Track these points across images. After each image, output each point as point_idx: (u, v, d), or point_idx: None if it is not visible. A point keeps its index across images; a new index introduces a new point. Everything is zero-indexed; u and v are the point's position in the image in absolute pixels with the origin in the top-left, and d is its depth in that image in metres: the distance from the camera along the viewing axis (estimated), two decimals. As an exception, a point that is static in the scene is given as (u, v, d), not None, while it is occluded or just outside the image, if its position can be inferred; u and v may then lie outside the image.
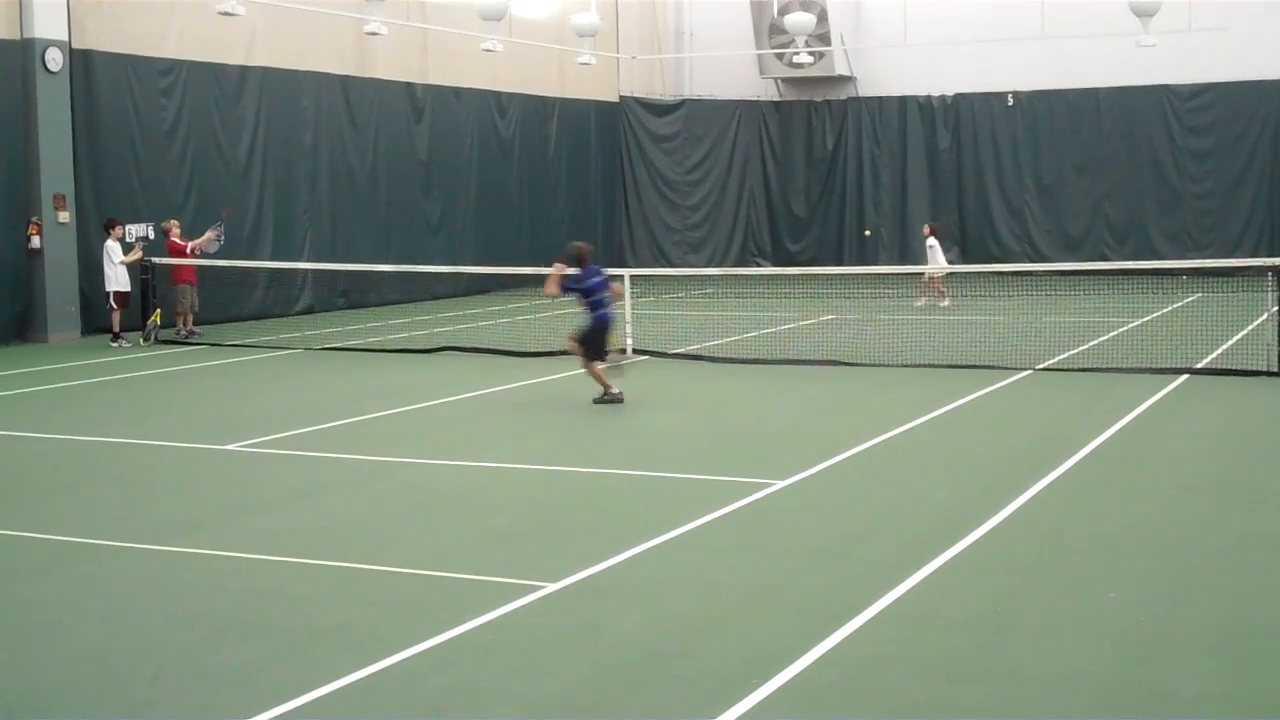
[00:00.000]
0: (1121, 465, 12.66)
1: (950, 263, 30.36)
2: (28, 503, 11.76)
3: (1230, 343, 20.42)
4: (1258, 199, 35.19)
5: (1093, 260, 33.97)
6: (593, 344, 16.67)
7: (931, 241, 29.54)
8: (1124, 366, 18.48)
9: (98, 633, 8.22)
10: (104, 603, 8.83)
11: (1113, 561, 9.40)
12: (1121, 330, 22.83)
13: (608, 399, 16.41)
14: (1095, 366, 18.66)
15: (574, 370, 19.31)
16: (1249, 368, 17.87)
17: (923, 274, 29.15)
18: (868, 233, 37.04)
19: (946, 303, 28.50)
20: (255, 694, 7.06)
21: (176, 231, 24.57)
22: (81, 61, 24.58)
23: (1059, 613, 8.27)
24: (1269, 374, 17.51)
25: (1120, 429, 14.23)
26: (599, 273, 17.13)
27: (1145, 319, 24.37)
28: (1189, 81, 35.22)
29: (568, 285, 16.85)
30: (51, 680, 7.43)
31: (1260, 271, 20.09)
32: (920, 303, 28.48)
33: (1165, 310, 25.71)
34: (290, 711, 6.84)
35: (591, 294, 16.81)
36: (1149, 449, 13.45)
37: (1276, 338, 17.73)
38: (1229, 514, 10.81)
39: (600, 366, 16.60)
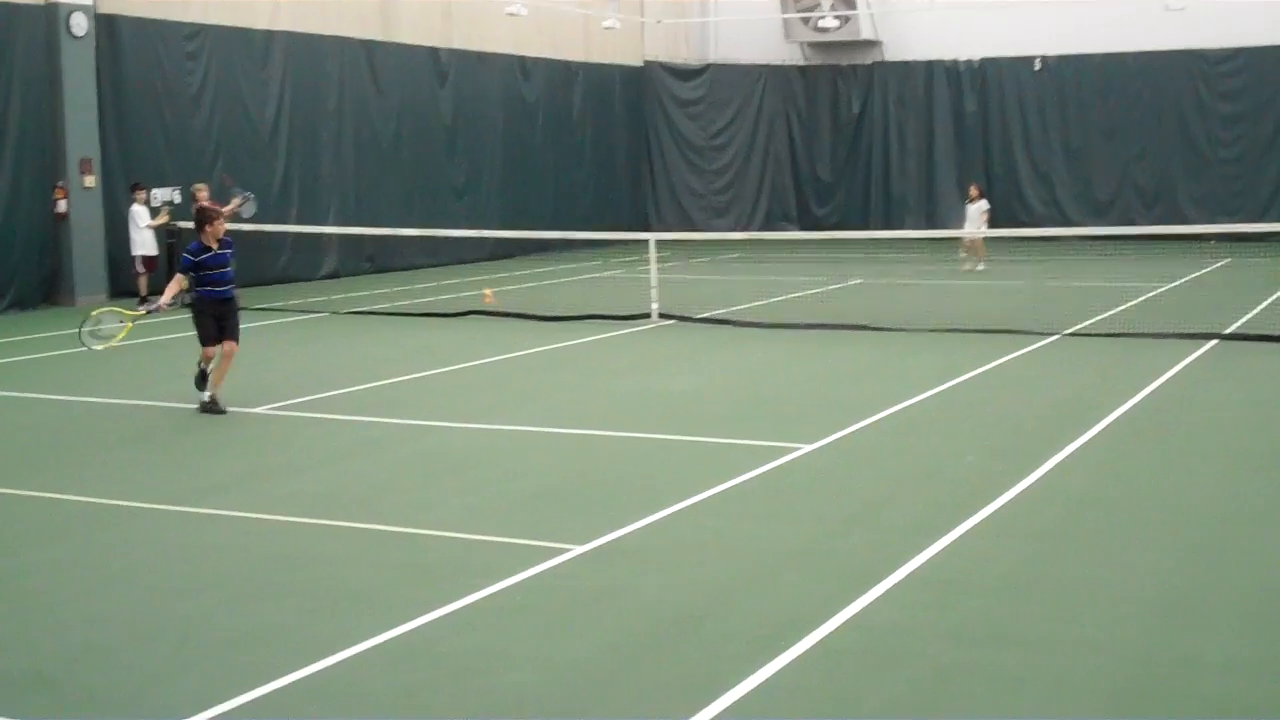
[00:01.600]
0: (1149, 430, 12.59)
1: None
2: (55, 465, 11.80)
3: (1260, 308, 20.29)
4: (1288, 163, 34.92)
5: (1121, 225, 33.77)
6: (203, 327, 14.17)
7: (985, 203, 29.21)
8: (1152, 332, 18.37)
9: (126, 594, 8.25)
10: (131, 564, 8.86)
11: (1140, 526, 9.36)
12: (1149, 295, 22.70)
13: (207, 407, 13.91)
14: (1123, 332, 18.55)
15: (599, 334, 19.32)
16: (1278, 333, 17.74)
17: (964, 238, 28.85)
18: None
19: (982, 266, 28.35)
20: (282, 655, 7.08)
21: (204, 195, 24.56)
22: (106, 26, 24.57)
23: (1086, 578, 8.24)
24: (1298, 339, 17.40)
25: (1148, 394, 14.15)
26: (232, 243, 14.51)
27: (1173, 284, 24.23)
28: (1218, 46, 34.90)
29: (185, 265, 14.27)
30: (80, 641, 7.46)
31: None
32: (981, 266, 28.32)
33: (1194, 275, 25.57)
34: (317, 672, 6.86)
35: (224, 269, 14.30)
36: (1177, 414, 13.38)
37: (1306, 303, 17.61)
38: (1257, 479, 10.75)
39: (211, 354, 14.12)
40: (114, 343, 15.37)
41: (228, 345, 14.09)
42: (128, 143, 25.04)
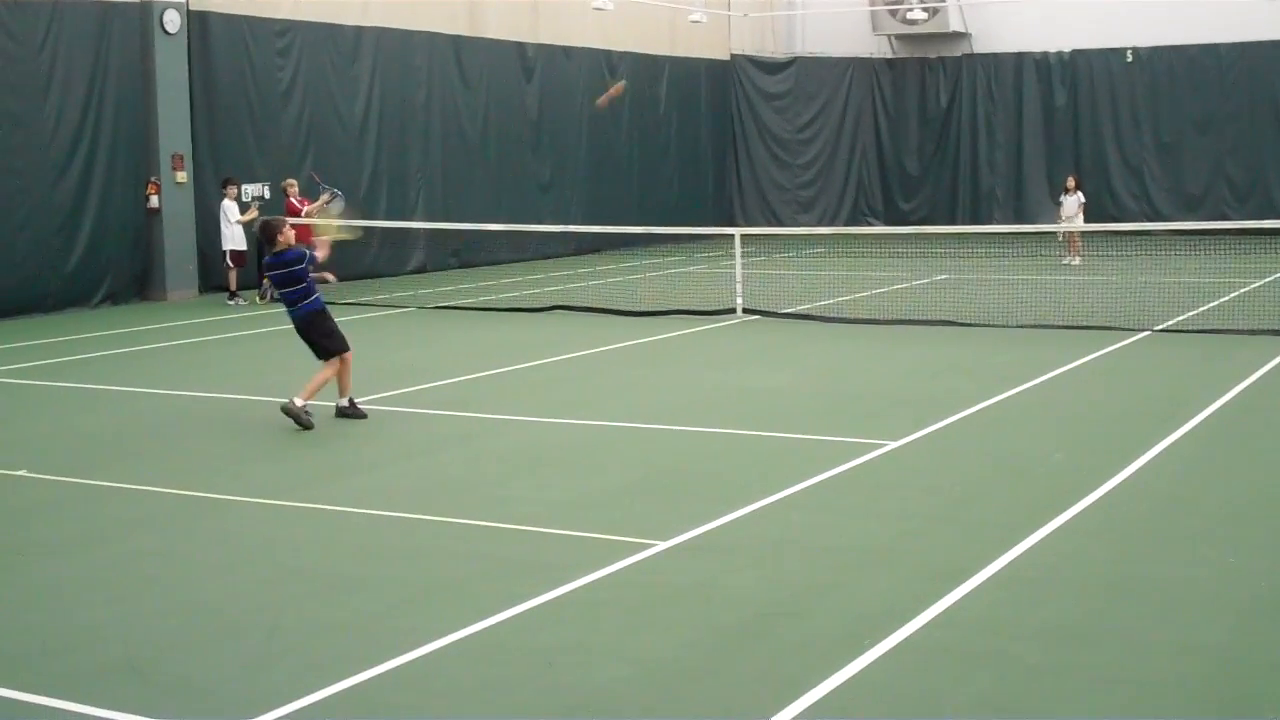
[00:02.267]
0: (1242, 429, 12.41)
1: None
2: (145, 457, 11.97)
3: (1356, 304, 19.92)
4: (1386, 156, 34.29)
5: (1213, 219, 33.31)
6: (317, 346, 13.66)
7: (1080, 195, 28.93)
8: (1245, 328, 18.09)
9: (213, 585, 8.36)
10: (219, 556, 8.97)
11: (1233, 527, 9.22)
12: (1242, 291, 22.36)
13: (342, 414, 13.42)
14: (1215, 328, 18.29)
15: (683, 329, 19.32)
16: (1376, 330, 17.43)
17: (1061, 233, 28.67)
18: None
19: (1078, 260, 28.13)
20: (369, 647, 7.14)
21: (294, 191, 24.85)
22: (199, 23, 24.88)
23: (1177, 578, 8.13)
24: (1397, 336, 17.07)
25: (1240, 392, 13.94)
26: (301, 256, 13.64)
27: (1267, 280, 23.85)
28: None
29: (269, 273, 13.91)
30: (168, 631, 7.56)
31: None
32: (1077, 260, 28.10)
33: (1288, 271, 25.14)
34: (403, 665, 6.91)
35: (289, 283, 13.58)
36: (1269, 412, 13.17)
37: (1405, 299, 17.27)
38: (1354, 479, 10.57)
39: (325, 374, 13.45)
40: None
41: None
42: (218, 139, 25.34)
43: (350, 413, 13.41)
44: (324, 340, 13.59)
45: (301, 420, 12.84)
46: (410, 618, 7.66)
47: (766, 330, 19.51)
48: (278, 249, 13.54)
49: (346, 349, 13.59)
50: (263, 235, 13.90)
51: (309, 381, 13.33)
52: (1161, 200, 35.97)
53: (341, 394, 13.51)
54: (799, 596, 7.92)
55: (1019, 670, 6.79)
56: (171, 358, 18.00)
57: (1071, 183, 29.43)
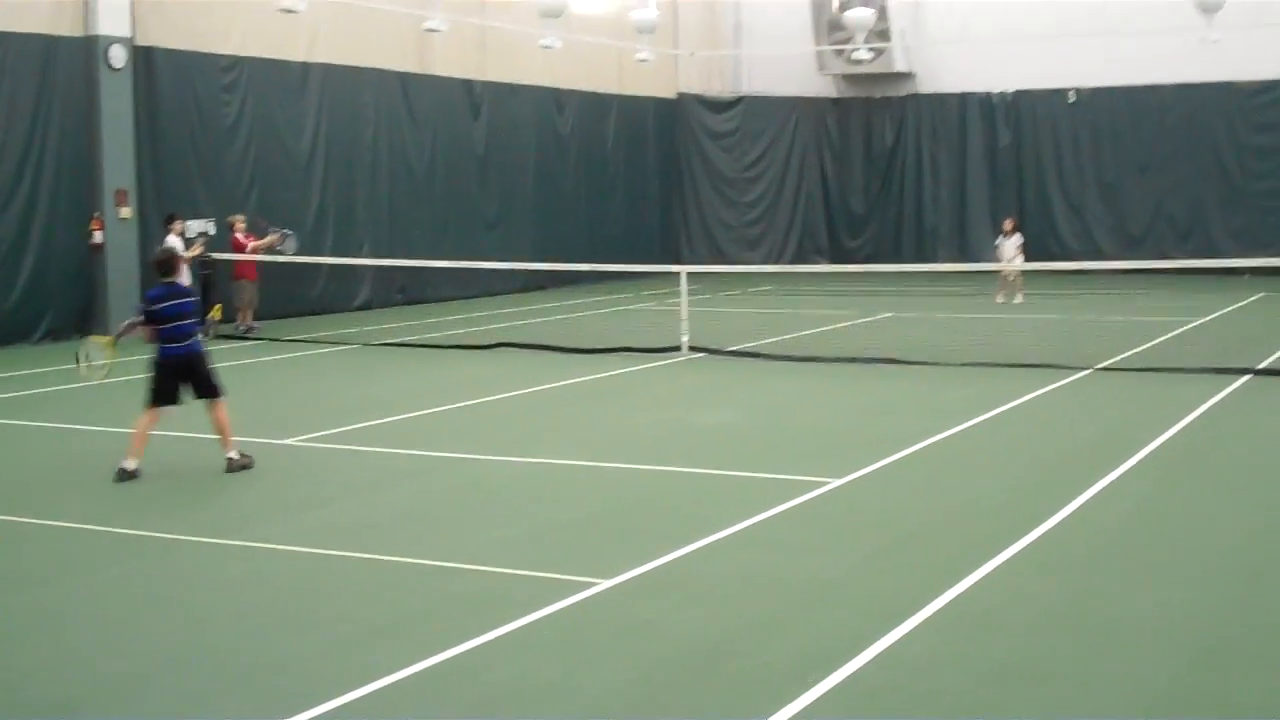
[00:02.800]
0: (1183, 466, 12.52)
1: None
2: (85, 495, 11.85)
3: (1294, 343, 20.17)
4: (1323, 197, 34.76)
5: (1154, 259, 33.62)
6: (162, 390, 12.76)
7: (1020, 237, 29.24)
8: (1186, 367, 18.28)
9: (154, 625, 8.28)
10: (160, 595, 8.89)
11: (1175, 563, 9.30)
12: (1183, 330, 22.60)
13: (231, 468, 12.62)
14: (1156, 366, 18.47)
15: (629, 367, 19.33)
16: (1314, 368, 17.64)
17: (1001, 273, 28.89)
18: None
19: (1020, 299, 28.33)
20: (311, 687, 7.09)
21: (241, 227, 24.75)
22: (144, 58, 24.78)
23: (1120, 615, 8.18)
24: (1334, 374, 17.29)
25: (1182, 429, 14.08)
26: (184, 292, 12.94)
27: (1207, 318, 24.11)
28: (1254, 78, 34.80)
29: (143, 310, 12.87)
30: (109, 671, 7.48)
31: (1325, 270, 19.85)
32: (1019, 299, 28.35)
33: (1228, 309, 25.44)
34: (346, 705, 6.86)
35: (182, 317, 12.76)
36: (1211, 450, 13.30)
37: (1342, 338, 17.50)
38: (1293, 516, 10.68)
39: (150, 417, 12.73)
40: (102, 372, 14.14)
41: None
42: (163, 174, 25.21)
43: (237, 466, 12.65)
44: (210, 378, 12.86)
45: (246, 464, 12.64)
46: (355, 656, 7.61)
47: (712, 368, 19.55)
48: (175, 279, 12.85)
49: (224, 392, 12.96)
50: (165, 265, 12.96)
51: (220, 432, 12.74)
52: (1103, 239, 36.34)
53: (228, 445, 12.71)
54: (744, 634, 7.92)
55: (964, 708, 6.81)
56: (113, 394, 17.81)
57: (1009, 225, 29.78)
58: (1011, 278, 28.72)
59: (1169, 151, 35.92)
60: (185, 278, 13.13)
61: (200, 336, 13.04)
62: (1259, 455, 13.08)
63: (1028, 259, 29.12)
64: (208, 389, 12.87)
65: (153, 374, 12.76)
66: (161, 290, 12.78)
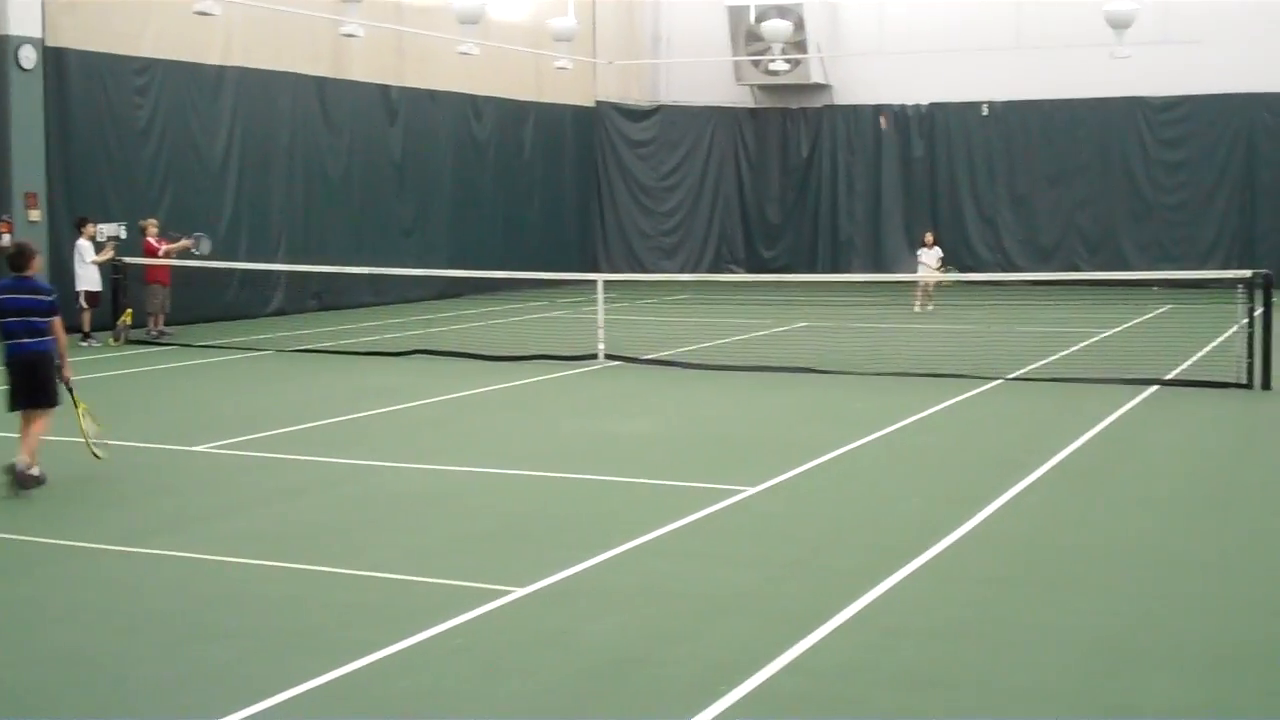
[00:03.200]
0: (1091, 476, 12.71)
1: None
2: (-5, 502, 11.69)
3: (1200, 354, 20.52)
4: (1229, 211, 35.42)
5: (1065, 270, 34.15)
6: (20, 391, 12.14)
7: (939, 250, 30.06)
8: (1095, 377, 18.54)
9: (66, 634, 8.18)
10: (71, 604, 8.79)
11: (1081, 572, 9.43)
12: (1092, 341, 22.92)
13: (19, 481, 11.64)
14: (1066, 377, 18.72)
15: (546, 375, 19.33)
16: (1218, 379, 17.95)
17: (921, 283, 29.59)
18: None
19: (931, 307, 28.85)
20: (223, 696, 7.04)
21: (153, 231, 24.49)
22: (55, 59, 24.46)
23: (1028, 622, 8.30)
24: (1238, 386, 17.60)
25: (1090, 439, 14.28)
26: (36, 289, 12.32)
27: (1116, 330, 24.47)
28: (1162, 94, 35.40)
29: None
30: (20, 681, 7.39)
31: (1230, 284, 20.18)
32: (930, 307, 29.09)
33: (1136, 321, 25.83)
34: (258, 713, 6.82)
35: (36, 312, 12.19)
36: (1119, 460, 13.51)
37: (1246, 350, 17.82)
38: (1197, 525, 10.87)
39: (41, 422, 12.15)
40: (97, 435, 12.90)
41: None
42: (73, 177, 24.89)
43: (31, 482, 11.74)
44: (47, 385, 12.19)
45: (34, 483, 11.70)
46: (265, 666, 7.57)
47: (628, 376, 19.59)
48: (28, 274, 12.26)
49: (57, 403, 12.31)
50: (17, 257, 12.36)
51: (27, 439, 11.99)
52: (1015, 251, 36.77)
53: (31, 460, 11.85)
54: (656, 642, 7.95)
55: (872, 716, 6.88)
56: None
57: (930, 238, 30.39)
58: (930, 288, 29.20)
59: (1080, 165, 36.45)
60: (40, 272, 12.39)
61: (50, 339, 12.22)
62: (1164, 464, 13.30)
63: (941, 270, 29.57)
64: (40, 396, 12.07)
65: (8, 374, 12.21)
66: (8, 283, 12.27)
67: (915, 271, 30.07)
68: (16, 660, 7.71)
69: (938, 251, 29.93)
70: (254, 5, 26.81)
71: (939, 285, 29.85)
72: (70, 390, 12.59)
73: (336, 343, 23.37)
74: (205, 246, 24.67)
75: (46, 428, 12.27)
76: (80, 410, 12.69)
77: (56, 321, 12.35)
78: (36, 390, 12.15)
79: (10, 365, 12.21)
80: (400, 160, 32.15)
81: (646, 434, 15.07)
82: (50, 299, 12.34)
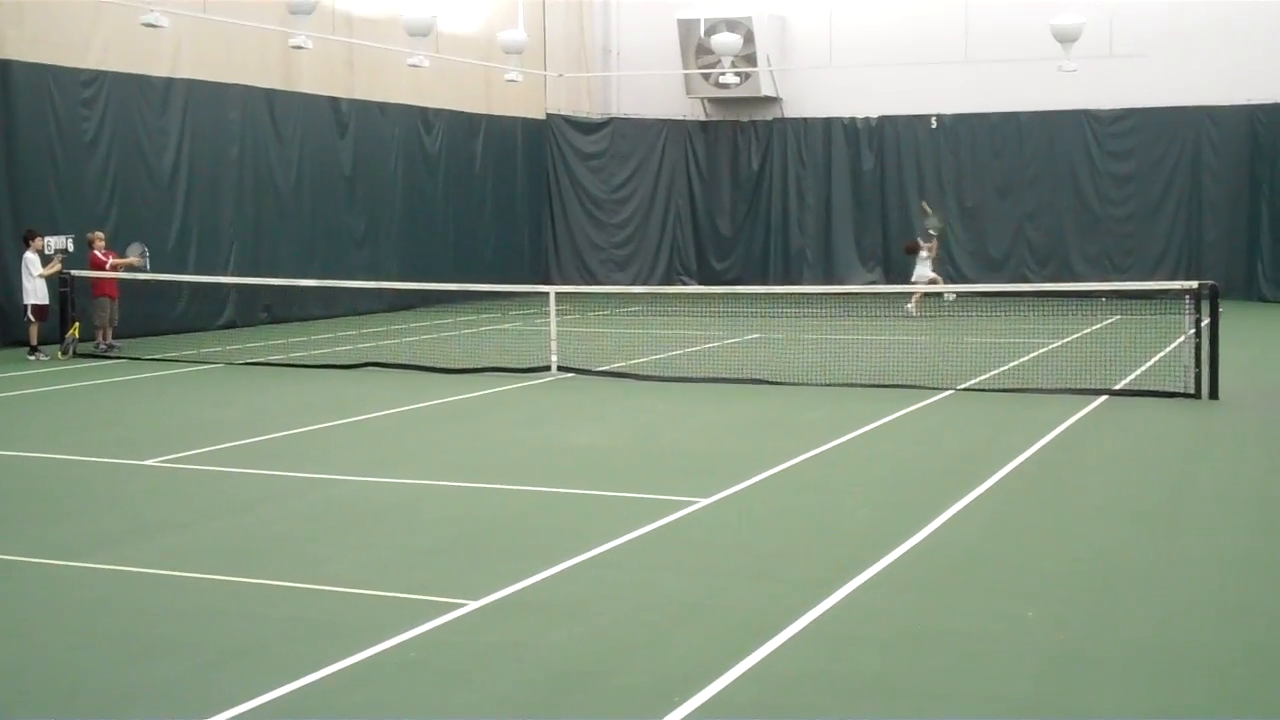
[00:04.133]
0: (1041, 485, 12.78)
1: (873, 282, 31.14)
2: (-60, 517, 11.55)
3: (1148, 364, 20.68)
4: (1175, 223, 35.73)
5: (1014, 282, 34.35)
6: None
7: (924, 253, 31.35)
8: (1044, 387, 18.66)
9: (8, 650, 8.09)
10: (15, 619, 8.69)
11: (1031, 581, 9.48)
12: (1041, 351, 23.06)
13: None
14: (1015, 387, 18.83)
15: (498, 387, 19.29)
16: (1167, 389, 18.10)
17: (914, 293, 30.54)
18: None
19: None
20: (171, 712, 6.98)
21: (100, 244, 24.31)
22: (1, 71, 24.25)
23: (979, 632, 8.33)
24: (1186, 396, 17.75)
25: (1040, 449, 14.37)
26: None
27: (1065, 340, 24.63)
28: (1109, 107, 35.71)
29: None
30: (-39, 698, 7.30)
31: (1178, 294, 20.36)
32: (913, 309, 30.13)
33: (1085, 332, 26.01)
34: (207, 730, 6.77)
35: None
36: (1068, 469, 13.59)
37: (1194, 360, 17.98)
38: (1146, 534, 10.94)
39: None
40: None
41: None
42: (20, 189, 24.68)
43: None
44: None
45: None
46: (214, 681, 7.50)
47: (581, 388, 19.57)
48: None
49: None
50: None
51: None
52: (964, 262, 36.97)
53: None
54: (610, 654, 7.94)
55: (826, 725, 6.89)
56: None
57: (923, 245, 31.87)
58: (922, 293, 30.33)
59: (1029, 177, 36.70)
60: None
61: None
62: (1113, 474, 13.39)
63: (890, 281, 30.00)
64: None
65: None
66: None
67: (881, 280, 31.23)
68: (-38, 677, 7.62)
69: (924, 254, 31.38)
70: (203, 17, 26.66)
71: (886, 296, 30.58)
72: None
73: (287, 356, 23.25)
74: (136, 252, 24.49)
75: None
76: None
77: None
78: None
79: None
80: (351, 173, 32.04)
81: (599, 445, 15.06)
82: None
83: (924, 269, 31.04)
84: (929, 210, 33.55)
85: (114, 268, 24.22)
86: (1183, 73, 34.78)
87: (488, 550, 10.35)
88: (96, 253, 24.11)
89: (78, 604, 9.02)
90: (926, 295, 30.65)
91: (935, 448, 14.85)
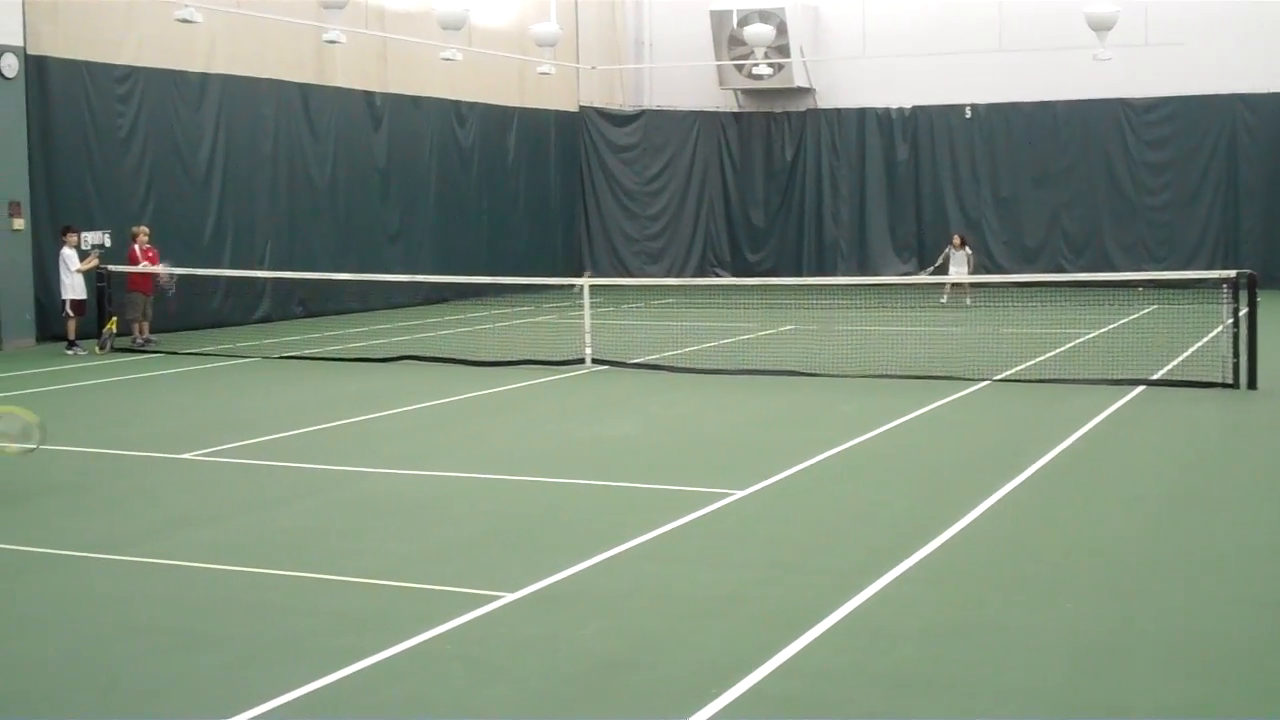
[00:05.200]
0: (1078, 476, 12.71)
1: (907, 274, 31.17)
2: (-21, 512, 11.64)
3: (1185, 354, 20.56)
4: (1212, 211, 35.51)
5: (1049, 272, 34.20)
6: None
7: (968, 250, 31.94)
8: (1080, 378, 18.57)
9: (49, 642, 8.14)
10: (56, 612, 8.74)
11: (1068, 572, 9.44)
12: (1078, 342, 22.95)
13: None
14: (1052, 378, 18.74)
15: (532, 380, 19.31)
16: (1205, 379, 17.99)
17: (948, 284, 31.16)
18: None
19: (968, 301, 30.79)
20: (209, 704, 7.01)
21: (143, 239, 24.42)
22: (37, 68, 24.40)
23: (1015, 624, 8.30)
24: (1224, 386, 17.64)
25: (1076, 440, 14.30)
26: None
27: (1101, 330, 24.51)
28: (1145, 95, 35.50)
29: None
30: (5, 691, 7.34)
31: (1215, 283, 20.23)
32: (968, 301, 30.71)
33: (1121, 322, 25.87)
34: (245, 723, 6.80)
35: None
36: (1105, 460, 13.52)
37: (1231, 350, 17.86)
38: (1183, 525, 10.88)
39: None
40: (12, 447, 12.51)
41: None
42: (56, 185, 24.84)
43: None
44: None
45: None
46: (250, 674, 7.53)
47: (615, 380, 19.57)
48: None
49: None
50: None
51: None
52: (1000, 253, 36.83)
53: None
54: (646, 647, 7.94)
55: (864, 718, 6.86)
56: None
57: (958, 239, 32.13)
58: (965, 285, 30.81)
59: (1064, 166, 36.52)
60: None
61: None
62: (1150, 465, 13.32)
63: (934, 271, 30.07)
64: None
65: None
66: None
67: (935, 270, 31.91)
68: (1, 669, 7.66)
69: (968, 252, 31.65)
70: (236, 12, 26.77)
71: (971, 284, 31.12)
72: None
73: (323, 349, 23.33)
74: (164, 274, 24.53)
75: None
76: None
77: None
78: None
79: None
80: (385, 166, 32.12)
81: (634, 438, 15.06)
82: None
83: (961, 268, 31.19)
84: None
85: (149, 261, 24.35)
86: (1218, 60, 34.55)
87: (523, 543, 10.36)
88: (137, 247, 24.22)
89: (115, 597, 9.07)
90: (955, 287, 31.00)
91: (971, 439, 14.79)
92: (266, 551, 10.10)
